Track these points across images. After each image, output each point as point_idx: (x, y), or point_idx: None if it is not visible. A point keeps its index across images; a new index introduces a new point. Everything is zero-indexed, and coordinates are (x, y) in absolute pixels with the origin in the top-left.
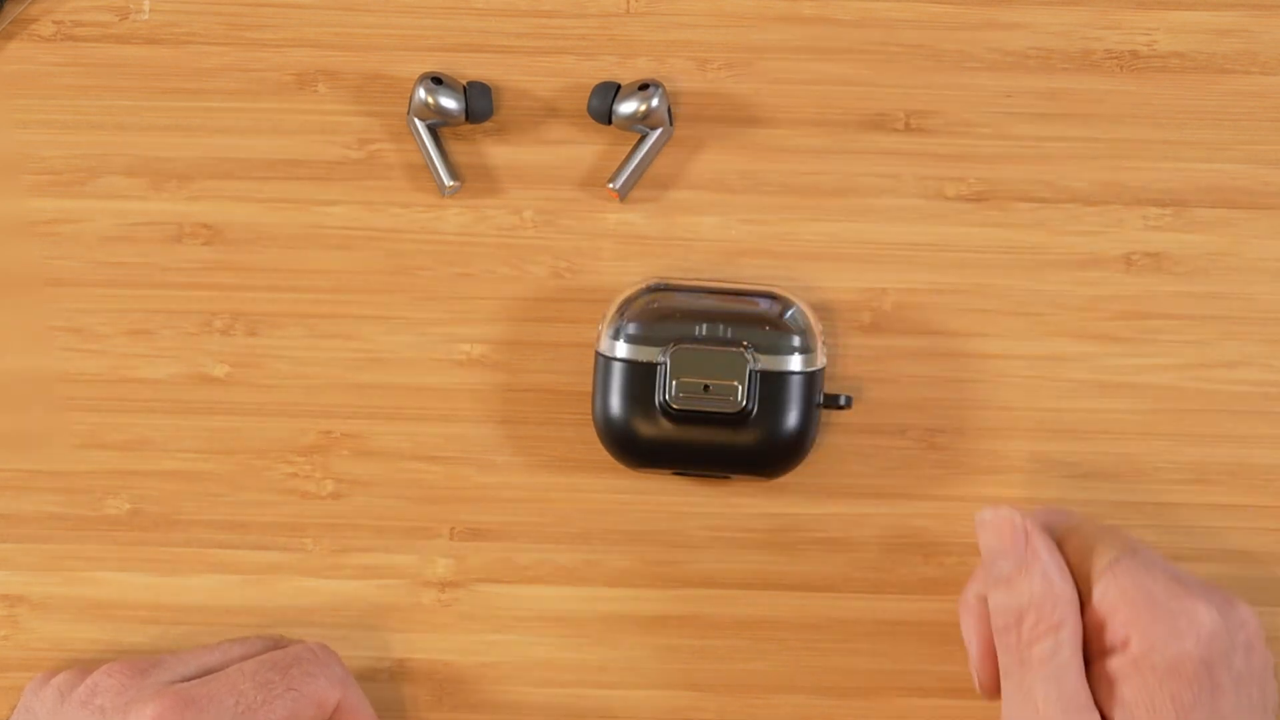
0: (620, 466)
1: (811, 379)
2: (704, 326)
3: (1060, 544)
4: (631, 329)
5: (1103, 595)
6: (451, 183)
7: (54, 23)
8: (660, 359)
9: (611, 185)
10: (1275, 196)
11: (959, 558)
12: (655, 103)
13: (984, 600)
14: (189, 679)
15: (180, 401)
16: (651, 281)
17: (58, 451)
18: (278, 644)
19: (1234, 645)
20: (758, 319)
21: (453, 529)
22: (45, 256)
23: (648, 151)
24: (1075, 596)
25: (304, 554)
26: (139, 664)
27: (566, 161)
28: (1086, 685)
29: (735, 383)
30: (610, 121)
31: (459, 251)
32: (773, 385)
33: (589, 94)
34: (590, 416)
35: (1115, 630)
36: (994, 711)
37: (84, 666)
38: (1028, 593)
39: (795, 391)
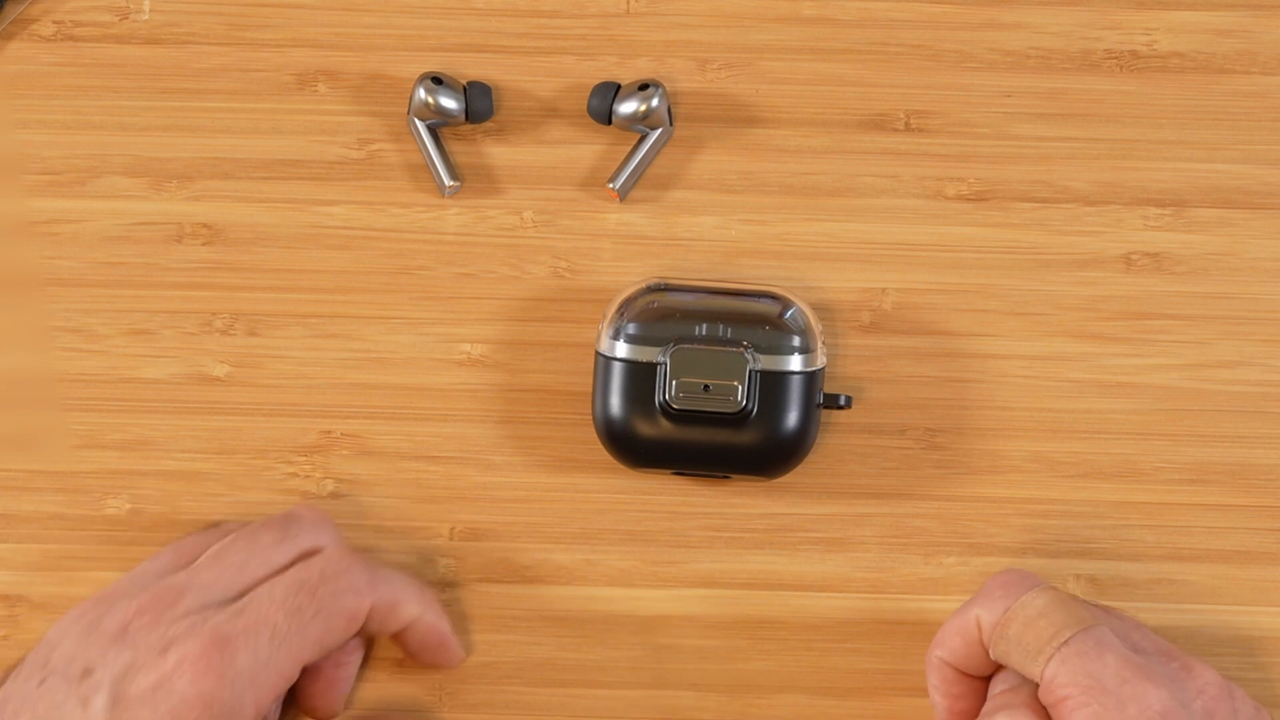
0: (620, 466)
1: (811, 379)
2: (704, 326)
3: (1014, 617)
4: (631, 329)
5: (1053, 677)
6: (451, 183)
7: (54, 23)
8: (660, 359)
9: (611, 185)
10: (1275, 196)
11: (959, 558)
12: (655, 103)
13: (947, 663)
14: (216, 603)
15: (180, 401)
16: (651, 281)
17: (58, 451)
18: (284, 530)
19: (1192, 716)
20: (758, 319)
21: (453, 529)
22: (45, 256)
23: (648, 151)
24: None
25: None
26: (163, 595)
27: (566, 161)
28: None
29: (735, 383)
30: (610, 121)
31: (459, 251)
32: (773, 385)
33: (589, 94)
34: (590, 416)
35: (1065, 716)
36: None
37: (101, 595)
38: None
39: (795, 391)
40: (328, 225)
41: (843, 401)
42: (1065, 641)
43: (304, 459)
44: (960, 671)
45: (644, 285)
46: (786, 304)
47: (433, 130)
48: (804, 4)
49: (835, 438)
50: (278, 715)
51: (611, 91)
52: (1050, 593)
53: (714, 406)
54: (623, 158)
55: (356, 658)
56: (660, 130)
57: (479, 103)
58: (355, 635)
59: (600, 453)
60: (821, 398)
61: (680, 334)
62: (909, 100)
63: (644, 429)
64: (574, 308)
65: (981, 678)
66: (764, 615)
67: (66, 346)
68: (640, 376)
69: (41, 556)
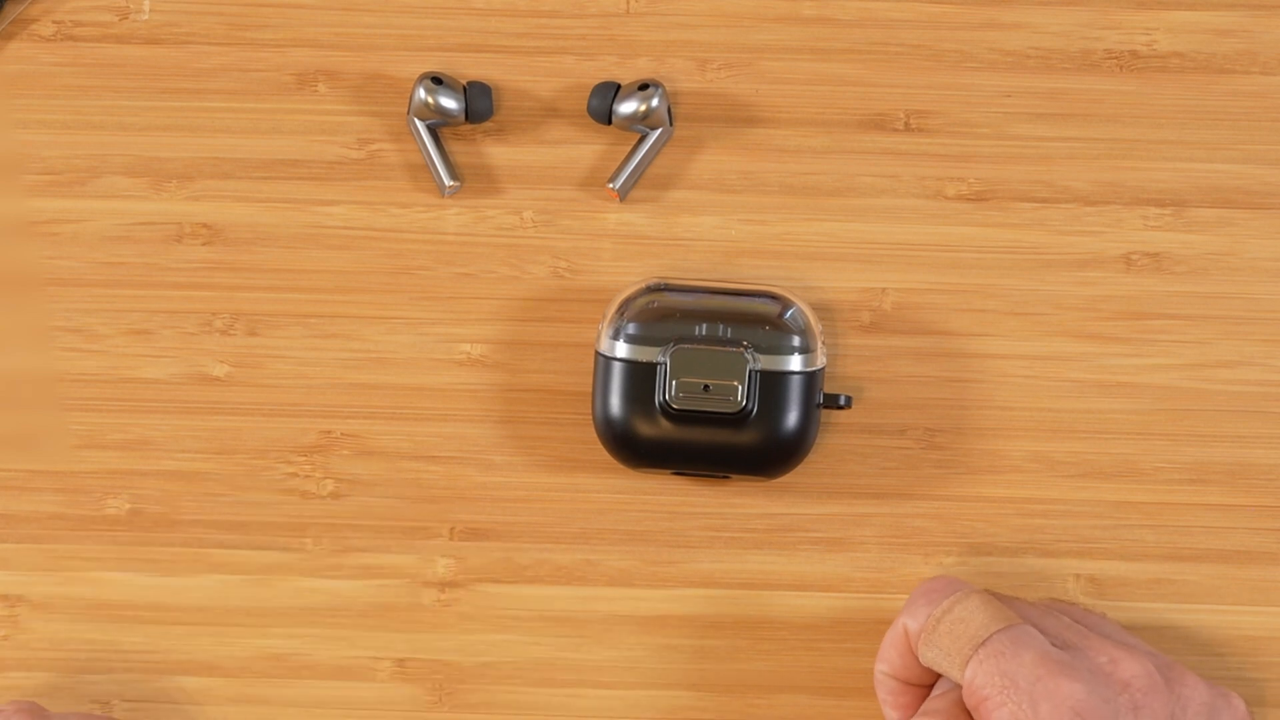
0: (620, 466)
1: (811, 379)
2: (704, 326)
3: (938, 622)
4: (631, 329)
5: (972, 679)
6: (451, 183)
7: (54, 23)
8: (660, 359)
9: (611, 185)
10: (1275, 196)
11: (959, 558)
12: (655, 103)
13: (890, 676)
14: None
15: (180, 401)
16: (651, 281)
17: (58, 451)
18: None
19: (1116, 712)
20: (758, 319)
21: (453, 529)
22: (45, 256)
23: (648, 151)
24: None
25: (304, 554)
26: None
27: (566, 161)
28: None
29: (735, 383)
30: (610, 121)
31: (459, 251)
32: (773, 385)
33: (589, 94)
34: (590, 416)
35: (985, 718)
36: None
37: None
38: None
39: (795, 391)
40: (328, 225)
41: (843, 401)
42: (983, 642)
43: (304, 459)
44: (904, 682)
45: (644, 285)
46: (786, 304)
47: (433, 130)
48: (804, 4)
49: (835, 438)
50: None
51: (611, 91)
52: (973, 596)
53: (714, 406)
54: (623, 158)
55: None
56: (660, 130)
57: (479, 103)
58: None
59: (600, 453)
60: (821, 398)
61: (680, 334)
62: (909, 100)
63: (644, 429)
64: (574, 308)
65: (926, 685)
66: (764, 615)
67: (66, 346)
68: (640, 376)
69: (41, 556)
